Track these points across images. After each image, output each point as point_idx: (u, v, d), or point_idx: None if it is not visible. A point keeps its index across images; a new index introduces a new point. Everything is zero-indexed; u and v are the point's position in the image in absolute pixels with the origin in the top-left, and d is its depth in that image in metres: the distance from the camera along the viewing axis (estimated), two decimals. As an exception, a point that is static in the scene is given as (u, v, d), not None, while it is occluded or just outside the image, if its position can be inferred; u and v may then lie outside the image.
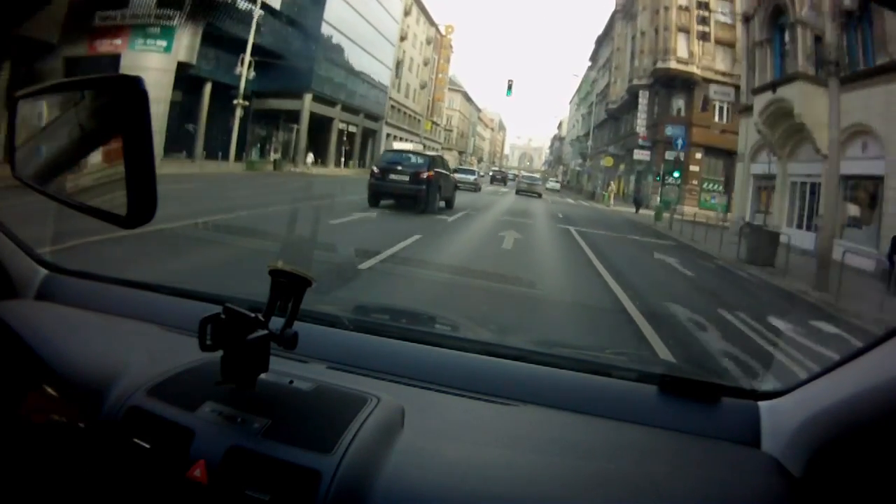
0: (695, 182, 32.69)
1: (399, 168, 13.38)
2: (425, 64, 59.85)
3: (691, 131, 32.79)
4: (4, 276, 1.28)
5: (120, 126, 0.80)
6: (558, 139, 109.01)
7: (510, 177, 54.20)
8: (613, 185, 35.78)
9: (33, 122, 1.05)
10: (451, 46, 68.27)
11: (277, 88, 29.69)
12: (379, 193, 13.45)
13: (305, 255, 4.43)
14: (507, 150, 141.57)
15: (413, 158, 14.00)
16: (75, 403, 0.97)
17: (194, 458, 0.84)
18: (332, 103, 36.09)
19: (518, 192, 34.12)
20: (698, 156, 32.77)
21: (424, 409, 1.04)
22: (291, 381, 0.98)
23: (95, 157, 0.93)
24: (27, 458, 0.95)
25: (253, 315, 0.89)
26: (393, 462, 0.87)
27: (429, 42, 60.53)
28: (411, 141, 47.86)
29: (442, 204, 14.80)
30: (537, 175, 44.27)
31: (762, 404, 1.10)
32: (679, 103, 34.73)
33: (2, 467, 0.95)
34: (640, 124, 36.82)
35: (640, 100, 37.26)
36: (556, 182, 55.68)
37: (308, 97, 32.67)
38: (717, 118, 32.74)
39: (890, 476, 0.81)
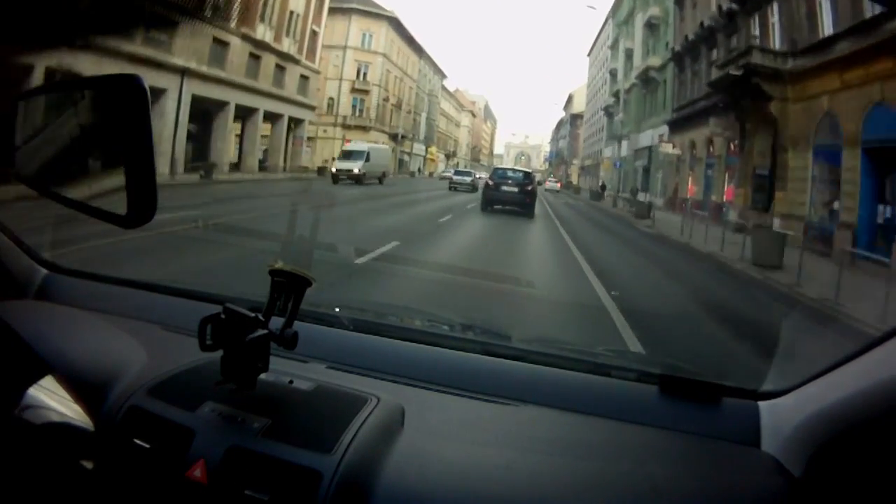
0: None
1: (509, 181, 17.65)
2: None
3: None
4: (4, 276, 1.28)
5: (120, 125, 0.80)
6: (567, 123, 77.15)
7: None
8: None
9: (34, 123, 1.05)
10: None
11: None
12: (492, 200, 17.11)
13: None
14: (501, 149, 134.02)
15: (515, 174, 18.46)
16: (75, 403, 0.97)
17: (194, 457, 0.84)
18: None
19: None
20: None
21: (424, 409, 1.04)
22: (291, 381, 0.98)
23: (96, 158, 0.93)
24: (27, 458, 0.95)
25: (253, 315, 0.89)
26: (393, 462, 0.87)
27: None
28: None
29: None
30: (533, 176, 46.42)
31: (762, 404, 1.10)
32: None
33: (2, 467, 0.95)
34: None
35: None
36: (555, 182, 55.94)
37: None
38: None
39: (889, 476, 0.81)
